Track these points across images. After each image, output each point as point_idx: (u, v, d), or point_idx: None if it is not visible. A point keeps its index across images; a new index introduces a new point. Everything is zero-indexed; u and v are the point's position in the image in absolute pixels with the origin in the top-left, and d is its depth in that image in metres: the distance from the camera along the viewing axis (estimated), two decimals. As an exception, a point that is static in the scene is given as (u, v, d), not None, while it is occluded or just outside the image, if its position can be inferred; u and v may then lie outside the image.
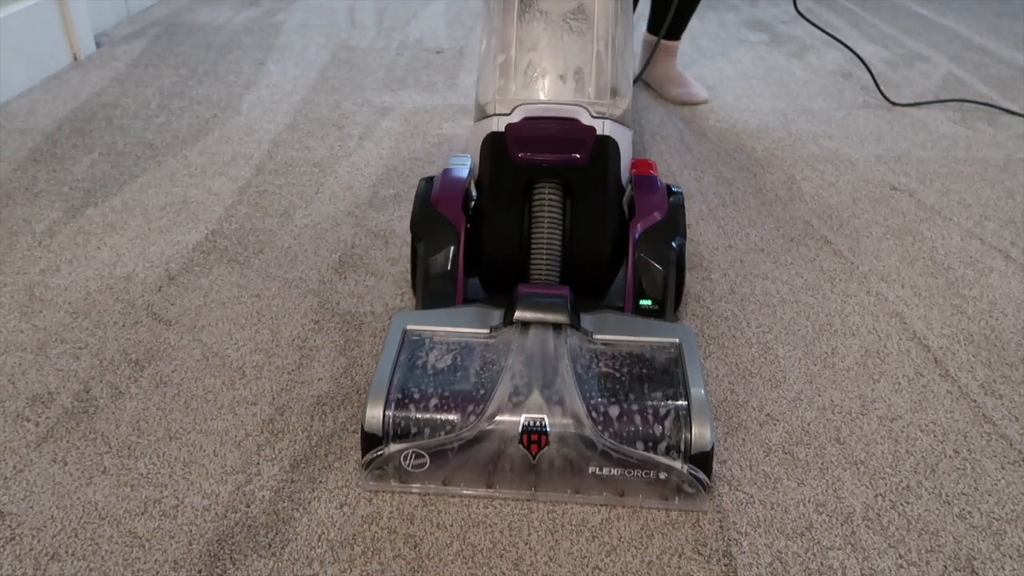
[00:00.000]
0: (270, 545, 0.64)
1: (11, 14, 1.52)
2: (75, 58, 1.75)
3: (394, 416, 0.68)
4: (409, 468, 0.68)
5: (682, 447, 0.66)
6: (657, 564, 0.63)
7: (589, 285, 0.85)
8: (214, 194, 1.20)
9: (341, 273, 1.01)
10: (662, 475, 0.67)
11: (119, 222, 1.12)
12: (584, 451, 0.66)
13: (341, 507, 0.68)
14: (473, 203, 0.86)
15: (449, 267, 0.82)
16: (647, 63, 1.49)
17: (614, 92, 0.82)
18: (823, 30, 1.57)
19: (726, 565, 0.63)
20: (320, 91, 1.60)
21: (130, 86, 1.62)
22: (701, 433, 0.66)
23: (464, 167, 0.89)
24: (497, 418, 0.67)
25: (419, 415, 0.68)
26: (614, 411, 0.68)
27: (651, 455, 0.66)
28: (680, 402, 0.68)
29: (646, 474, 0.67)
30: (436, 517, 0.67)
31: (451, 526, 0.66)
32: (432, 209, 0.83)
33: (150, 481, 0.70)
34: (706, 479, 0.67)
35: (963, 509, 0.68)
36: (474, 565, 0.63)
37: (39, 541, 0.64)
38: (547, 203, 0.81)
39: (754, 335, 0.90)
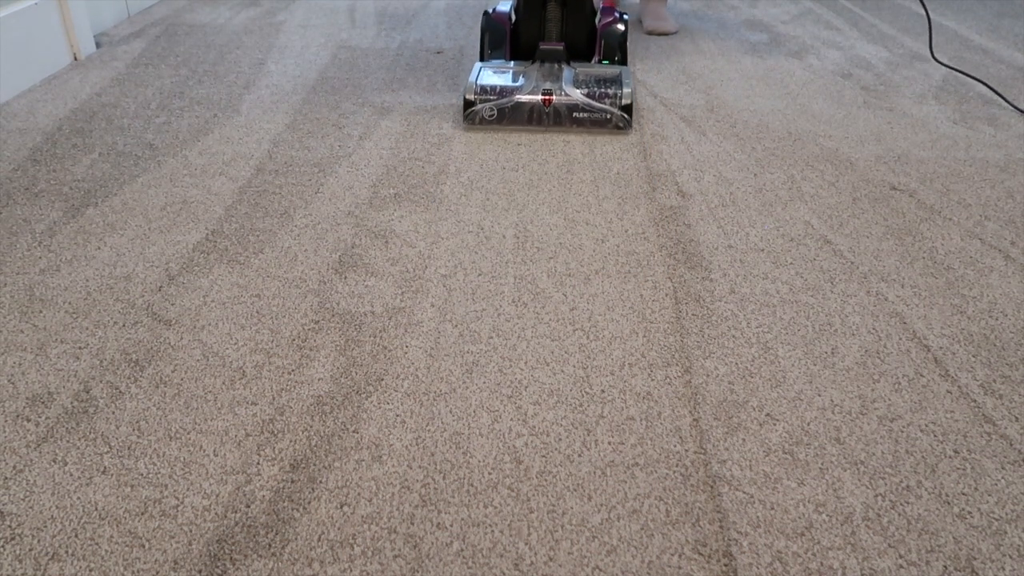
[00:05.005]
0: (270, 545, 0.64)
1: (11, 14, 1.52)
2: (75, 58, 1.75)
3: (479, 95, 1.41)
4: (487, 117, 1.42)
5: (617, 103, 1.39)
6: (657, 564, 0.63)
7: (576, 58, 1.56)
8: (214, 194, 1.20)
9: (341, 273, 1.01)
10: (608, 116, 1.40)
11: (119, 222, 1.12)
12: (572, 107, 1.40)
13: (341, 507, 0.68)
14: (513, 19, 1.56)
15: (501, 46, 1.56)
16: None
17: None
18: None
19: (726, 565, 0.63)
20: (320, 91, 1.60)
21: (130, 86, 1.62)
22: (627, 99, 1.39)
23: (508, 3, 1.60)
24: (529, 94, 1.40)
25: (491, 96, 1.41)
26: (584, 91, 1.41)
27: (603, 105, 1.40)
28: (616, 89, 1.40)
29: (601, 116, 1.40)
30: (436, 517, 0.67)
31: (451, 526, 0.66)
32: (493, 21, 1.56)
33: (150, 481, 0.70)
34: (629, 119, 1.40)
35: (963, 509, 0.68)
36: (474, 565, 0.63)
37: (39, 541, 0.64)
38: (553, 10, 1.51)
39: (754, 335, 0.90)
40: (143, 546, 0.64)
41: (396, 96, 1.58)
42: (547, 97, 1.39)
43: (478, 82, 1.42)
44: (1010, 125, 1.48)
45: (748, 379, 0.83)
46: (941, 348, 0.89)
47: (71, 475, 0.71)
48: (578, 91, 1.39)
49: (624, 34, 1.52)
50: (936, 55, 1.73)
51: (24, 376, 0.83)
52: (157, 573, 0.62)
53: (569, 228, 1.12)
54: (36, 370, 0.84)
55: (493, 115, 1.40)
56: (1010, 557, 0.64)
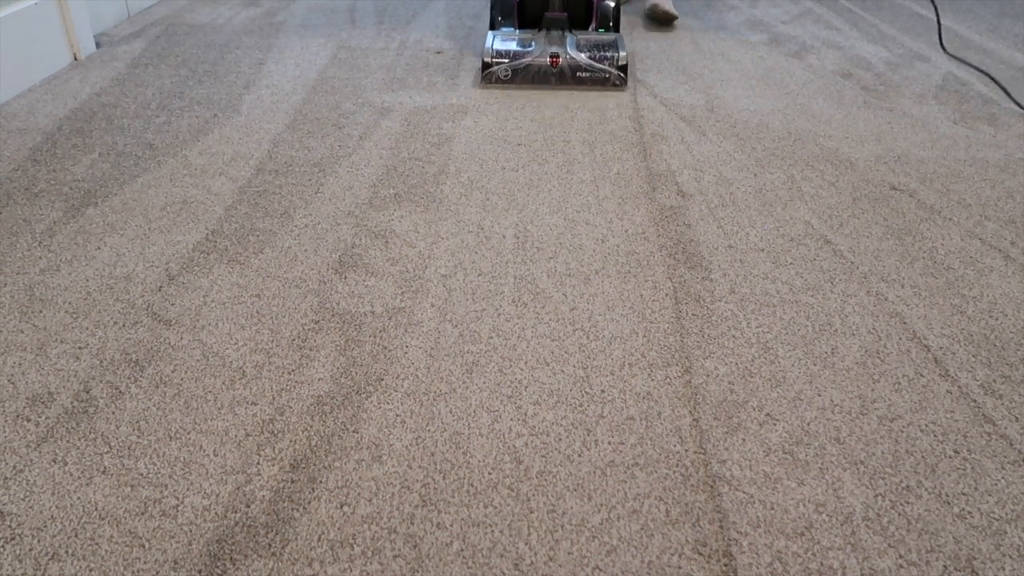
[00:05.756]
0: (270, 545, 0.64)
1: (11, 14, 1.52)
2: (75, 58, 1.75)
3: (495, 58, 1.62)
4: (502, 77, 1.62)
5: (615, 64, 1.61)
6: (657, 564, 0.63)
7: (575, 26, 1.78)
8: (214, 194, 1.20)
9: (341, 273, 1.01)
10: (607, 76, 1.61)
11: (119, 222, 1.12)
12: (575, 67, 1.61)
13: (341, 507, 0.68)
14: None
15: (510, 15, 1.77)
16: None
17: None
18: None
19: (726, 565, 0.63)
20: (320, 91, 1.60)
21: (130, 86, 1.62)
22: (623, 62, 1.61)
23: None
24: (538, 57, 1.62)
25: (504, 59, 1.62)
26: (586, 54, 1.62)
27: (603, 66, 1.61)
28: (614, 52, 1.62)
29: (600, 75, 1.62)
30: (436, 517, 0.67)
31: (451, 526, 0.66)
32: None
33: (150, 481, 0.70)
34: (624, 77, 1.62)
35: (963, 509, 0.68)
36: (474, 565, 0.63)
37: (39, 541, 0.65)
38: None
39: (754, 335, 0.90)
40: (143, 546, 0.64)
41: (396, 96, 1.58)
42: (554, 59, 1.61)
43: (493, 47, 1.65)
44: (1010, 125, 1.48)
45: (748, 379, 0.83)
46: (941, 348, 0.89)
47: (71, 475, 0.71)
48: (581, 54, 1.61)
49: (617, 7, 1.78)
50: (944, 49, 1.75)
51: (24, 376, 0.83)
52: (157, 573, 0.62)
53: (569, 228, 1.12)
54: (36, 370, 0.84)
55: (508, 75, 1.62)
56: (1010, 557, 0.64)
